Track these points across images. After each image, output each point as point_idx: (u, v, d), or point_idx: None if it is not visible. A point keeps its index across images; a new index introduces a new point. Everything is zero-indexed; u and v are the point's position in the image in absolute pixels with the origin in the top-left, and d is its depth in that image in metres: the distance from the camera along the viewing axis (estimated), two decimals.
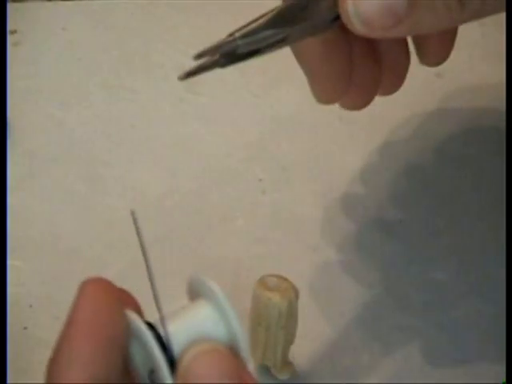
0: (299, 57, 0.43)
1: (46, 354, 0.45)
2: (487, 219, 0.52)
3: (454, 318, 0.48)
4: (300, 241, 0.51)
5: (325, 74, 0.44)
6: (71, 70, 0.61)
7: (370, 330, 0.47)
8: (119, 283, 0.48)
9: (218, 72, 0.63)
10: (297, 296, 0.41)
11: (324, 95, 0.45)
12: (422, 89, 0.59)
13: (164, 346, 0.31)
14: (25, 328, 0.46)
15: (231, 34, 0.37)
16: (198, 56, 0.37)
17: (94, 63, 0.61)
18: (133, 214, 0.32)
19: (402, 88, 0.59)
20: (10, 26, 0.62)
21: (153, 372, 0.32)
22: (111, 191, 0.53)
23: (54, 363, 0.32)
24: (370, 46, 0.44)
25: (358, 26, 0.37)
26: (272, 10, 0.38)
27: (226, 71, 0.60)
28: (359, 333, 0.47)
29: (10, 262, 0.48)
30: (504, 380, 0.40)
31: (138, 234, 0.33)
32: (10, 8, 0.62)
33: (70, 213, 0.52)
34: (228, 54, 0.37)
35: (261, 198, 0.53)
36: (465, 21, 0.38)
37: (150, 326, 0.32)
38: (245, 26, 0.37)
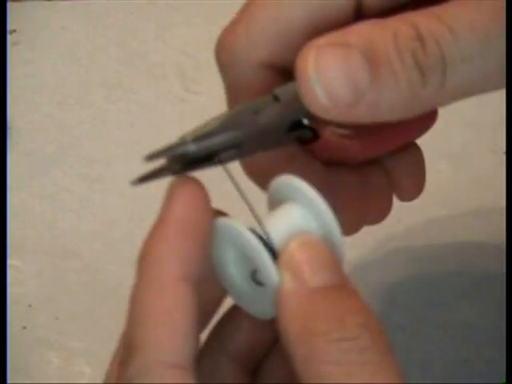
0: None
1: (45, 354, 0.45)
2: (487, 219, 0.52)
3: (454, 318, 0.47)
4: None
5: None
6: (71, 70, 0.61)
7: None
8: (119, 283, 0.48)
9: (217, 72, 0.63)
10: None
11: None
12: None
13: (266, 246, 0.32)
14: (24, 328, 0.46)
15: (182, 138, 0.35)
16: (149, 158, 0.35)
17: (94, 63, 0.61)
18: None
19: None
20: (9, 25, 0.62)
21: (255, 272, 0.32)
22: (111, 191, 0.53)
23: (144, 260, 0.32)
24: (352, 171, 0.43)
25: (319, 95, 0.34)
26: (224, 114, 0.36)
27: None
28: None
29: (9, 262, 0.48)
30: (504, 380, 0.40)
31: None
32: (10, 8, 0.62)
33: (69, 213, 0.52)
34: (179, 158, 0.35)
35: (261, 198, 0.53)
36: (427, 101, 0.36)
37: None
38: (196, 130, 0.35)
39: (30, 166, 0.55)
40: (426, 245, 0.51)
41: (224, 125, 0.36)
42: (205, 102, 0.59)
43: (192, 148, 0.35)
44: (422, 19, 0.35)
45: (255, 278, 0.33)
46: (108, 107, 0.59)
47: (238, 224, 0.32)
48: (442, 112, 0.59)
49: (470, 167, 0.55)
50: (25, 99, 0.58)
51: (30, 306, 0.47)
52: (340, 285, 0.33)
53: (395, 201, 0.52)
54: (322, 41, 0.35)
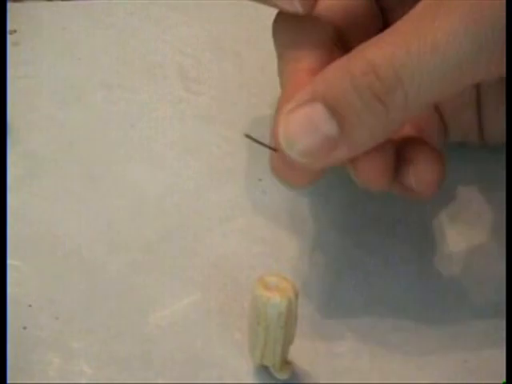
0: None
1: (45, 354, 0.45)
2: (487, 218, 0.52)
3: (454, 318, 0.47)
4: (300, 241, 0.51)
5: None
6: (71, 70, 0.61)
7: (370, 329, 0.47)
8: (119, 283, 0.48)
9: (217, 72, 0.63)
10: (296, 295, 0.41)
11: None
12: None
13: None
14: (24, 328, 0.46)
15: None
16: None
17: (94, 63, 0.61)
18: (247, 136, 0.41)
19: None
20: (9, 25, 0.62)
21: None
22: (111, 191, 0.53)
23: None
24: None
25: (297, 159, 0.39)
26: None
27: (225, 72, 0.61)
28: (359, 332, 0.47)
29: (9, 262, 0.48)
30: (504, 380, 0.40)
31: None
32: (10, 8, 0.62)
33: (69, 213, 0.52)
34: None
35: (261, 198, 0.53)
36: (398, 121, 0.38)
37: None
38: None
39: (30, 166, 0.54)
40: (426, 244, 0.51)
41: None
42: (205, 102, 0.59)
43: None
44: (374, 49, 0.37)
45: None
46: (108, 107, 0.59)
47: None
48: None
49: (470, 166, 0.55)
50: (25, 99, 0.58)
51: (30, 305, 0.47)
52: None
53: (395, 201, 0.52)
54: (291, 105, 0.39)
